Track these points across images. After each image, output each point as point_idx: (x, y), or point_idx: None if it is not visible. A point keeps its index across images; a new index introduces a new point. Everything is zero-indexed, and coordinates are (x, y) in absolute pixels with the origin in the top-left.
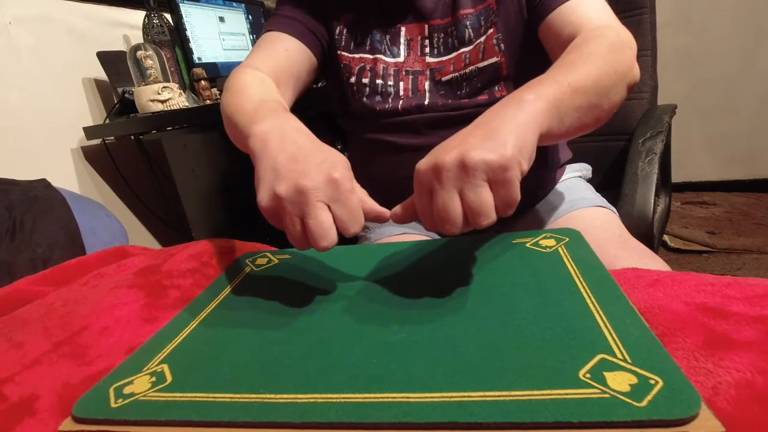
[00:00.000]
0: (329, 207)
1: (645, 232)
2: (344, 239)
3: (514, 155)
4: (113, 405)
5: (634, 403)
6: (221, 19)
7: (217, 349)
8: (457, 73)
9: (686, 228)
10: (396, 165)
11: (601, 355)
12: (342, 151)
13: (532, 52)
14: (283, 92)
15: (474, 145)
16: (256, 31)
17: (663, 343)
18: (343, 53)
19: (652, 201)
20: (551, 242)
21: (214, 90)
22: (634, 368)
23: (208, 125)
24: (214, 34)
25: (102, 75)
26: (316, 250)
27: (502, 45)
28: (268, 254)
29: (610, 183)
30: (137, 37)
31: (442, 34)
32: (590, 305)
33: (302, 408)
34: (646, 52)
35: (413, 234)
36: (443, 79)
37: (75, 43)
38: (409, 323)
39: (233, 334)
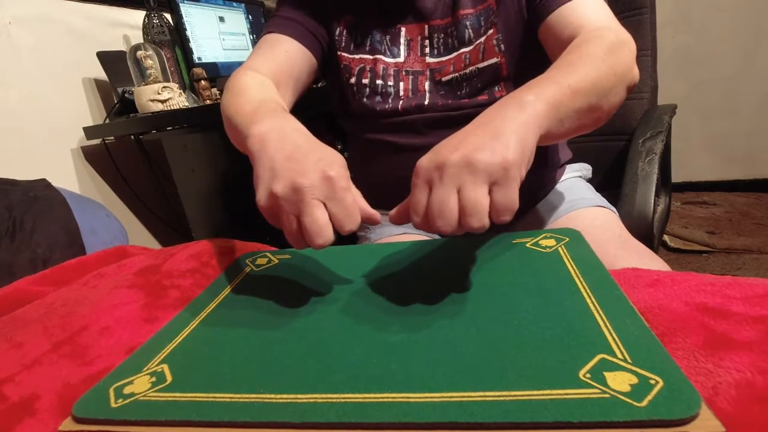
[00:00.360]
0: (325, 205)
1: (645, 232)
2: (344, 239)
3: (516, 158)
4: (113, 405)
5: (635, 403)
6: (221, 19)
7: (217, 349)
8: (457, 74)
9: (686, 228)
10: (396, 165)
11: (601, 355)
12: (342, 151)
13: (532, 52)
14: (282, 94)
15: (478, 146)
16: (256, 30)
17: (663, 343)
18: (343, 54)
19: (652, 201)
20: (551, 242)
21: (214, 90)
22: (634, 368)
23: (208, 125)
24: (214, 34)
25: (102, 75)
26: (312, 248)
27: (502, 45)
28: (268, 254)
29: (610, 183)
30: (137, 37)
31: (442, 35)
32: (590, 305)
33: (302, 408)
34: (646, 52)
35: (413, 234)
36: (443, 79)
37: (75, 43)
38: (409, 323)
39: (233, 334)
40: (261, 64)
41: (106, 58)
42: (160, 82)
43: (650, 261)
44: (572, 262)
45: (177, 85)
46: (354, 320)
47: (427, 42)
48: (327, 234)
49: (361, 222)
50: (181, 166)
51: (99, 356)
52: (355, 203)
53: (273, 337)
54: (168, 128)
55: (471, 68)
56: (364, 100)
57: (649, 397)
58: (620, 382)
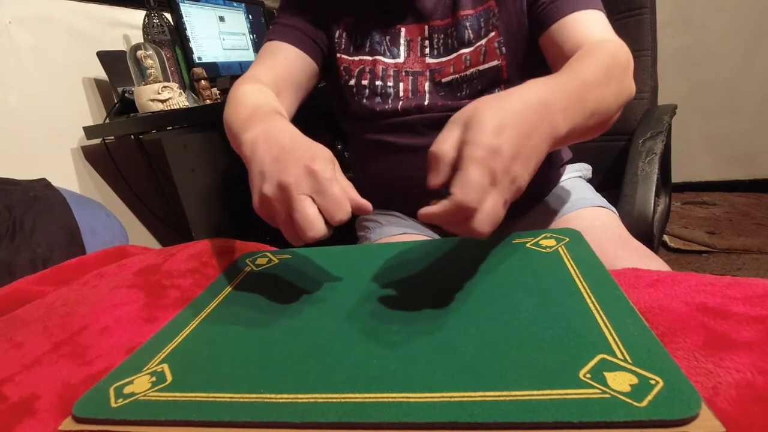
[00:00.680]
0: (314, 199)
1: (645, 232)
2: (344, 239)
3: (531, 175)
4: (113, 405)
5: (635, 404)
6: (221, 18)
7: (217, 349)
8: (457, 75)
9: (686, 228)
10: (396, 165)
11: (601, 355)
12: (342, 150)
13: (532, 55)
14: (283, 100)
15: (523, 174)
16: (256, 30)
17: (663, 343)
18: (343, 56)
19: (652, 201)
20: (551, 242)
21: (214, 90)
22: (634, 368)
23: (208, 125)
24: (214, 34)
25: (102, 75)
26: (305, 241)
27: (503, 48)
28: (268, 254)
29: (610, 183)
30: (137, 37)
31: (442, 35)
32: (590, 305)
33: (302, 408)
34: (646, 52)
35: (413, 234)
36: (443, 80)
37: (75, 43)
38: (409, 323)
39: (233, 334)
40: (262, 72)
41: (106, 57)
42: (160, 81)
43: (650, 261)
44: (572, 262)
45: (177, 85)
46: (354, 320)
47: (426, 42)
48: (317, 226)
49: (351, 212)
50: (181, 166)
51: (99, 356)
52: (342, 193)
53: (273, 337)
54: (168, 128)
55: (472, 70)
56: (364, 101)
57: (650, 398)
58: (620, 382)
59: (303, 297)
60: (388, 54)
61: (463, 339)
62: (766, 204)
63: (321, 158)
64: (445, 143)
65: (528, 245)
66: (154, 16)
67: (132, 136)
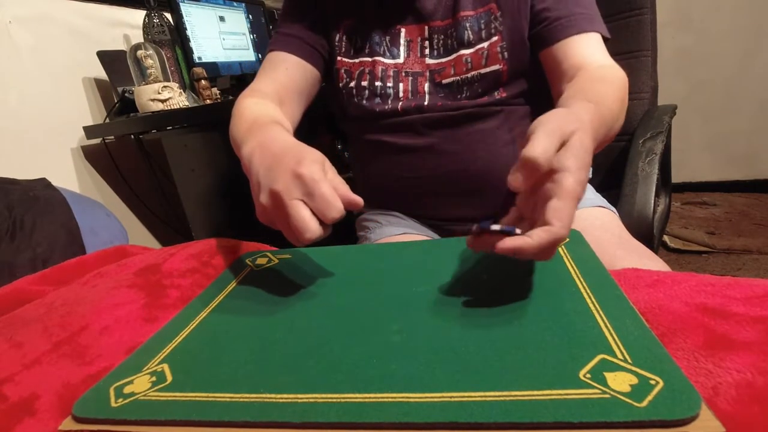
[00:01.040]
0: (306, 201)
1: (645, 232)
2: (344, 239)
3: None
4: (113, 404)
5: (635, 404)
6: (221, 18)
7: (217, 349)
8: (458, 77)
9: (686, 228)
10: (396, 165)
11: (601, 356)
12: (342, 151)
13: (532, 60)
14: (287, 110)
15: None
16: (257, 30)
17: (663, 343)
18: (344, 59)
19: (652, 201)
20: None
21: (214, 89)
22: (634, 368)
23: (208, 125)
24: (214, 34)
25: (102, 74)
26: (305, 243)
27: (506, 54)
28: (268, 254)
29: (610, 183)
30: (137, 37)
31: (442, 36)
32: (590, 305)
33: (302, 408)
34: (646, 52)
35: (413, 234)
36: (443, 81)
37: (75, 43)
38: (409, 323)
39: (233, 334)
40: (265, 84)
41: (106, 57)
42: (160, 81)
43: (650, 261)
44: (572, 262)
45: (177, 85)
46: (354, 320)
47: (426, 43)
48: (312, 228)
49: (344, 208)
50: (181, 165)
51: (99, 356)
52: (332, 192)
53: (273, 337)
54: (168, 128)
55: (473, 73)
56: (364, 102)
57: (650, 398)
58: (620, 382)
59: (303, 297)
60: (387, 54)
61: (463, 339)
62: (766, 204)
63: (308, 160)
64: (546, 152)
65: None
66: (154, 15)
67: (132, 136)
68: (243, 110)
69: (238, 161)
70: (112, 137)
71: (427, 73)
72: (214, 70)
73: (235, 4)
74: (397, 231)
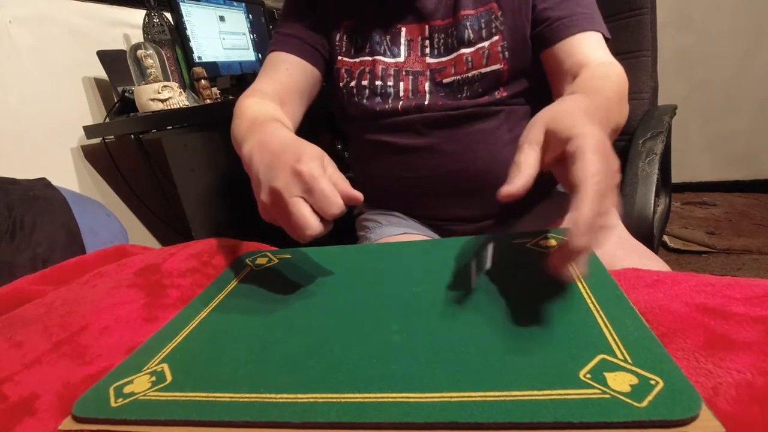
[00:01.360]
0: (306, 198)
1: (645, 232)
2: (344, 239)
3: None
4: (113, 404)
5: (635, 404)
6: (221, 18)
7: (217, 349)
8: (459, 77)
9: (686, 228)
10: (396, 165)
11: (601, 356)
12: (342, 151)
13: (533, 59)
14: (288, 110)
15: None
16: (257, 30)
17: (663, 343)
18: (344, 59)
19: (652, 201)
20: (551, 242)
21: (214, 89)
22: (634, 368)
23: (208, 125)
24: (214, 34)
25: (102, 74)
26: (306, 240)
27: (507, 53)
28: (268, 254)
29: None
30: (137, 36)
31: (443, 35)
32: (590, 305)
33: (302, 408)
34: (646, 52)
35: (413, 234)
36: (444, 81)
37: (75, 43)
38: (409, 323)
39: (233, 334)
40: (265, 85)
41: (106, 57)
42: (160, 81)
43: (650, 261)
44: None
45: (177, 85)
46: (354, 320)
47: (427, 42)
48: (313, 225)
49: (344, 204)
50: (181, 165)
51: (99, 356)
52: (331, 188)
53: (273, 337)
54: (168, 127)
55: (474, 72)
56: (364, 101)
57: (650, 398)
58: (620, 382)
59: (303, 297)
60: (388, 53)
61: (463, 339)
62: (766, 204)
63: (307, 157)
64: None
65: (528, 245)
66: (154, 15)
67: (132, 136)
68: (244, 110)
69: (238, 161)
70: (112, 137)
71: (428, 73)
72: (214, 69)
73: (235, 3)
74: (397, 231)
